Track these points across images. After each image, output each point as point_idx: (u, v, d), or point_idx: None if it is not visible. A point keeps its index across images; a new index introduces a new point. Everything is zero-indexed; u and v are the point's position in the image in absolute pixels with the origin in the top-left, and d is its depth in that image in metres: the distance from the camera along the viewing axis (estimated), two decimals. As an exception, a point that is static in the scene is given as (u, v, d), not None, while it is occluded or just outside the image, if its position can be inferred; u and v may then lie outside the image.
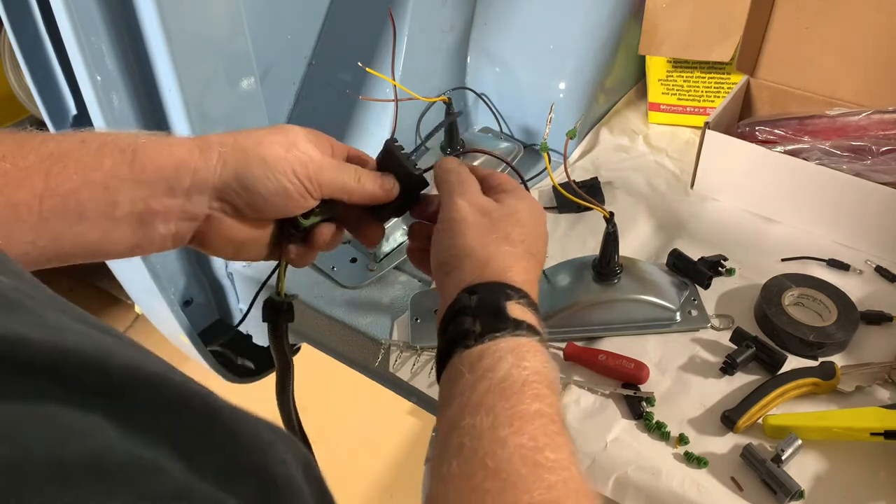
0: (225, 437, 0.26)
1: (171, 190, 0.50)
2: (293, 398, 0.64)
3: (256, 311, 0.95)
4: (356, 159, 0.59)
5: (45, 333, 0.24)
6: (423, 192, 0.59)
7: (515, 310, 0.47)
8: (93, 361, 0.24)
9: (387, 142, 0.58)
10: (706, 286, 0.80)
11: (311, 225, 0.57)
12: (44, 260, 0.49)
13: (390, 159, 0.58)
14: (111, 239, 0.50)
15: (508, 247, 0.52)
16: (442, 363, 0.48)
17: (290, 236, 0.57)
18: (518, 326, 0.46)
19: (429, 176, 0.60)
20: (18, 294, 0.27)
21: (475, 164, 0.94)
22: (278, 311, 0.61)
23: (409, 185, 0.58)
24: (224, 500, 0.23)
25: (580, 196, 0.72)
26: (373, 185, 0.56)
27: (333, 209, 0.57)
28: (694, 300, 0.79)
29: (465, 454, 0.39)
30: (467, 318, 0.47)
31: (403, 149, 0.58)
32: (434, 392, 0.74)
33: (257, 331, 1.00)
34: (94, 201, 0.48)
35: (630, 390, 0.70)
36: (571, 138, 0.76)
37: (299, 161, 0.53)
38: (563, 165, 0.67)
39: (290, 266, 0.60)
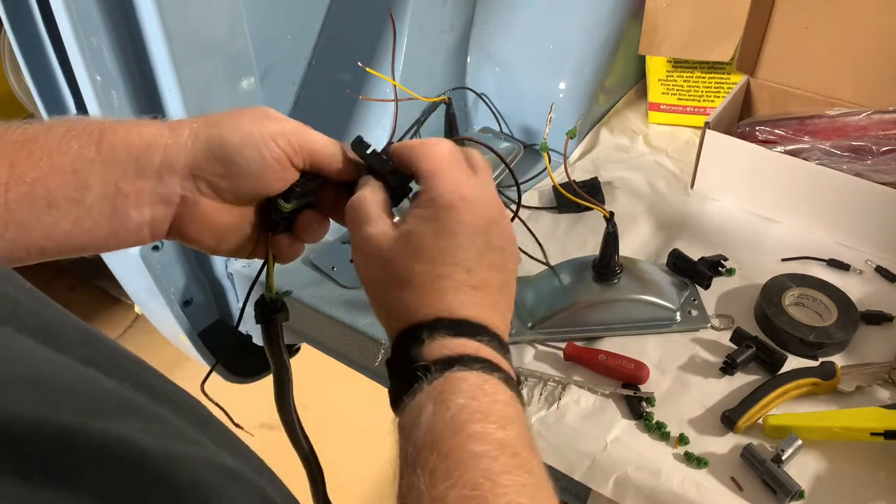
0: (157, 483, 0.24)
1: (141, 170, 0.48)
2: (293, 402, 0.61)
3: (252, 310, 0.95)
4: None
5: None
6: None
7: (432, 350, 0.43)
8: (55, 317, 0.23)
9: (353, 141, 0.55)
10: (706, 286, 0.80)
11: (293, 209, 0.54)
12: (14, 255, 0.46)
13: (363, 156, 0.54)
14: (83, 228, 0.47)
15: (461, 261, 0.45)
16: (395, 390, 0.45)
17: (273, 225, 0.54)
18: (426, 371, 0.41)
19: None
20: None
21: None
22: (271, 310, 0.58)
23: (384, 176, 0.54)
24: None
25: (580, 196, 0.72)
26: (343, 164, 0.53)
27: (313, 188, 0.54)
28: (694, 300, 0.79)
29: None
30: (407, 362, 0.43)
31: (370, 146, 0.54)
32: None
33: (256, 330, 1.00)
34: (62, 187, 0.45)
35: (630, 390, 0.70)
36: (571, 138, 0.76)
37: (276, 128, 0.50)
38: (563, 165, 0.68)
39: (282, 264, 0.58)
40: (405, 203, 0.56)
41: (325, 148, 0.52)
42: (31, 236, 0.45)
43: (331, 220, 0.57)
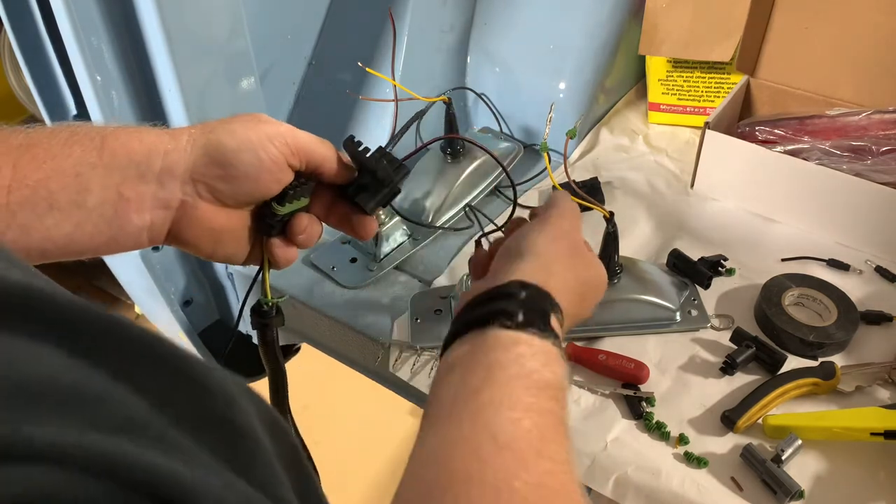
0: (191, 385, 0.26)
1: (142, 175, 0.49)
2: (289, 408, 0.63)
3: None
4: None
5: (23, 275, 0.25)
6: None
7: (554, 322, 0.48)
8: (51, 299, 0.24)
9: (379, 147, 0.58)
10: (706, 286, 0.80)
11: (288, 213, 0.55)
12: None
13: (370, 149, 0.57)
14: (84, 231, 0.48)
15: (572, 278, 0.53)
16: (460, 333, 0.48)
17: (268, 229, 0.55)
18: (555, 336, 0.47)
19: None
20: None
21: (475, 164, 0.94)
22: (267, 315, 0.60)
23: (373, 173, 0.56)
24: (186, 445, 0.23)
25: (580, 196, 0.72)
26: (338, 167, 0.56)
27: (307, 190, 0.56)
28: (694, 300, 0.79)
29: (478, 423, 0.40)
30: (513, 304, 0.47)
31: (362, 144, 0.57)
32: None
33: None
34: (64, 190, 0.47)
35: (630, 390, 0.70)
36: (571, 138, 0.76)
37: (272, 130, 0.52)
38: (563, 165, 0.68)
39: (276, 270, 0.59)
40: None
41: (319, 149, 0.54)
42: (32, 238, 0.46)
43: (323, 224, 0.59)
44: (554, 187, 0.64)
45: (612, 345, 0.75)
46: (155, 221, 0.51)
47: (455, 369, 0.45)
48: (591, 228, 0.91)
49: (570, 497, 0.38)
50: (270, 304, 0.59)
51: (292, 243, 0.57)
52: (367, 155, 0.56)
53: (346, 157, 0.56)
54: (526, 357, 0.44)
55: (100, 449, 0.20)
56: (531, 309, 0.47)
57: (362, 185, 0.57)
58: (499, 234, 0.63)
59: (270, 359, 0.61)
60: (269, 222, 0.55)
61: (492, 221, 0.87)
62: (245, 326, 1.00)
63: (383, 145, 0.58)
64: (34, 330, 0.23)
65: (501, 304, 0.47)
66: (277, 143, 0.52)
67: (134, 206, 0.49)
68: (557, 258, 0.53)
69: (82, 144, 0.47)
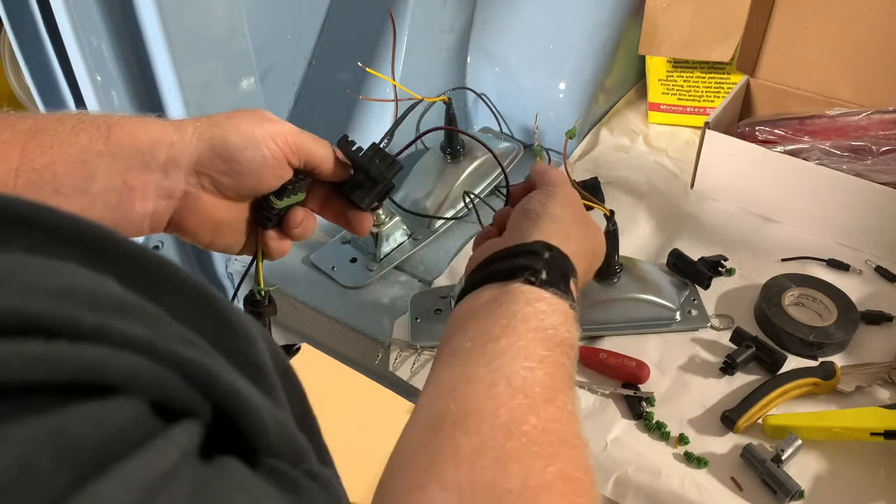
0: (219, 321, 0.27)
1: (147, 165, 0.50)
2: None
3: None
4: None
5: (74, 215, 0.26)
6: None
7: (573, 286, 0.51)
8: (112, 236, 0.26)
9: (372, 143, 0.60)
10: (706, 286, 0.80)
11: (285, 207, 0.57)
12: None
13: (363, 147, 0.59)
14: (88, 216, 0.49)
15: (584, 244, 0.56)
16: (485, 279, 0.50)
17: (265, 221, 0.57)
18: (573, 299, 0.50)
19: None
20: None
21: (475, 164, 0.94)
22: (259, 303, 0.62)
23: (364, 179, 0.59)
24: (221, 358, 0.25)
25: (581, 195, 0.71)
26: (335, 167, 0.58)
27: (304, 186, 0.58)
28: (694, 300, 0.79)
29: (494, 366, 0.42)
30: (539, 262, 0.49)
31: (355, 144, 0.59)
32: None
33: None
34: (70, 175, 0.48)
35: (630, 390, 0.70)
36: (571, 138, 0.76)
37: (275, 129, 0.54)
38: (563, 165, 0.68)
39: (270, 261, 0.61)
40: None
41: (318, 149, 0.56)
42: None
43: (317, 218, 0.62)
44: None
45: (612, 344, 0.75)
46: (158, 210, 0.52)
47: (476, 315, 0.47)
48: (591, 228, 0.91)
49: (573, 444, 0.40)
50: (263, 293, 0.62)
51: (287, 236, 0.60)
52: (361, 154, 0.58)
53: (342, 156, 0.58)
54: (546, 314, 0.46)
55: (174, 349, 0.23)
56: (554, 269, 0.49)
57: (357, 182, 0.59)
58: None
59: None
60: (266, 215, 0.57)
61: (491, 204, 0.87)
62: (245, 326, 1.00)
63: (377, 141, 0.60)
64: (92, 259, 0.25)
65: (526, 260, 0.49)
66: (279, 142, 0.53)
67: (138, 194, 0.51)
68: (574, 224, 0.55)
69: (88, 132, 0.49)
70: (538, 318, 0.46)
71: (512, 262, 0.50)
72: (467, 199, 0.90)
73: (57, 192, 0.48)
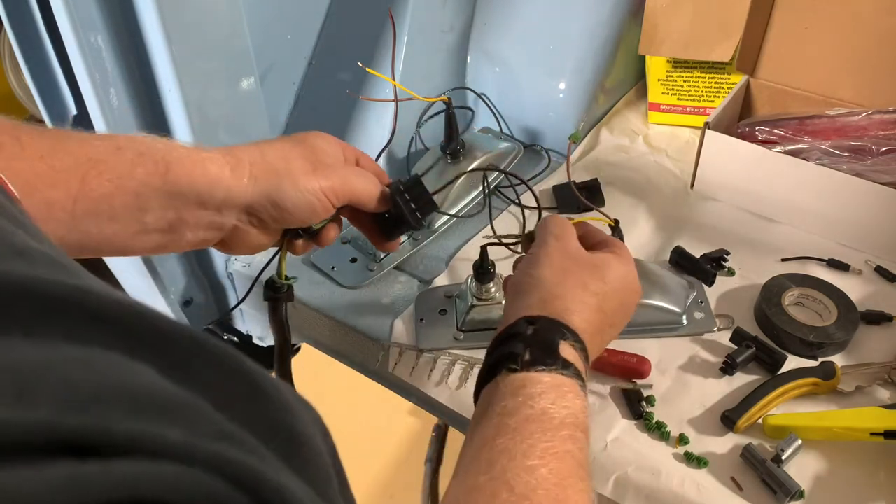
0: (258, 395, 0.27)
1: (203, 204, 0.53)
2: (292, 378, 0.70)
3: (253, 308, 0.95)
4: (373, 173, 0.63)
5: (109, 292, 0.25)
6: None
7: (567, 350, 0.48)
8: (150, 319, 0.25)
9: (415, 175, 0.64)
10: (710, 283, 0.80)
11: (320, 227, 0.61)
12: (71, 253, 0.50)
13: (408, 194, 0.63)
14: (140, 240, 0.52)
15: (581, 293, 0.53)
16: (483, 381, 0.49)
17: (296, 235, 0.62)
18: (566, 366, 0.47)
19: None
20: (61, 257, 0.28)
21: (475, 164, 0.94)
22: (278, 290, 0.67)
23: (401, 217, 0.63)
24: (260, 448, 0.24)
25: (583, 205, 0.72)
26: (377, 203, 0.61)
27: (342, 211, 0.62)
28: (700, 302, 0.78)
29: (494, 472, 0.40)
30: (519, 345, 0.48)
31: (424, 189, 0.63)
32: (435, 392, 0.74)
33: (256, 329, 1.00)
34: (126, 207, 0.50)
35: (629, 383, 0.70)
36: (575, 142, 0.76)
37: (327, 178, 0.56)
38: (564, 166, 0.68)
39: (296, 255, 0.66)
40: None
41: (366, 193, 0.60)
42: (91, 240, 0.50)
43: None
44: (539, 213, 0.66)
45: (612, 344, 0.75)
46: (206, 238, 0.56)
47: (476, 419, 0.46)
48: (591, 228, 0.91)
49: None
50: (284, 282, 0.66)
51: (315, 243, 0.64)
52: (402, 195, 0.62)
53: (386, 191, 0.62)
54: (534, 397, 0.44)
55: (214, 451, 0.22)
56: (537, 344, 0.48)
57: (392, 216, 0.63)
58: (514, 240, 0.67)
59: (278, 330, 0.68)
60: (300, 232, 0.62)
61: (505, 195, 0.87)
62: (246, 326, 1.00)
63: (419, 174, 0.65)
64: (132, 348, 0.24)
65: (507, 347, 0.48)
66: (330, 196, 0.57)
67: (190, 226, 0.54)
68: (561, 280, 0.53)
69: (146, 167, 0.51)
70: (527, 405, 0.44)
71: (496, 352, 0.49)
72: (486, 182, 0.91)
73: (112, 219, 0.50)
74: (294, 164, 0.56)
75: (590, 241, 0.60)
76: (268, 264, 0.64)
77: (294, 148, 0.57)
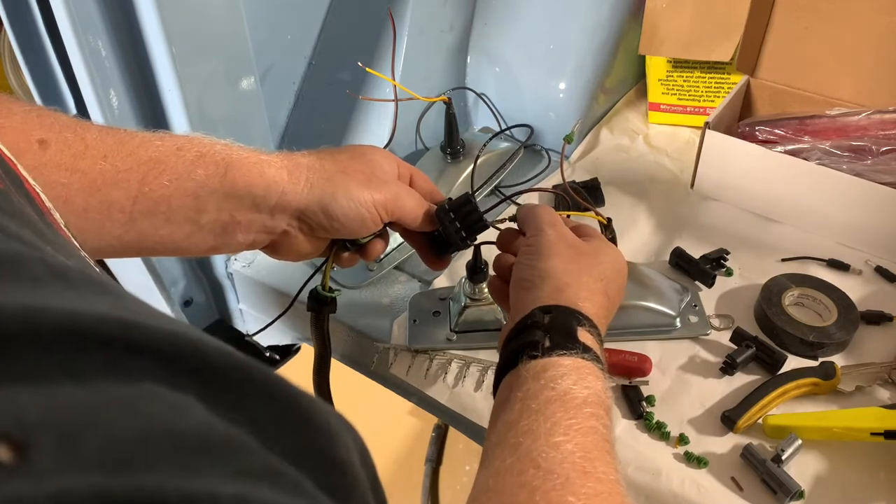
0: (300, 422, 0.26)
1: (257, 206, 0.54)
2: (329, 386, 0.72)
3: (253, 308, 0.95)
4: (425, 191, 0.63)
5: (149, 319, 0.24)
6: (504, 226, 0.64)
7: (584, 336, 0.49)
8: (192, 344, 0.25)
9: (466, 194, 0.64)
10: (710, 285, 0.80)
11: (366, 241, 0.62)
12: (126, 252, 0.51)
13: (454, 215, 0.63)
14: (193, 241, 0.53)
15: (587, 279, 0.54)
16: (503, 372, 0.49)
17: (343, 247, 0.63)
18: (586, 350, 0.48)
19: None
20: (91, 271, 0.28)
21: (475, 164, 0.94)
22: (322, 302, 0.68)
23: (447, 237, 0.63)
24: (301, 479, 0.23)
25: (575, 205, 0.72)
26: (421, 223, 0.62)
27: (392, 227, 0.63)
28: (695, 306, 0.78)
29: (519, 452, 0.41)
30: (538, 332, 0.48)
31: (476, 207, 0.63)
32: (435, 392, 0.74)
33: (254, 329, 1.00)
34: (183, 209, 0.51)
35: (628, 381, 0.70)
36: (569, 143, 0.76)
37: (379, 192, 0.57)
38: (560, 170, 0.68)
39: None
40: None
41: (414, 212, 0.61)
42: (146, 241, 0.51)
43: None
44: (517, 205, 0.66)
45: (612, 345, 0.75)
46: (256, 241, 0.57)
47: (497, 408, 0.47)
48: (591, 228, 0.91)
49: None
50: (327, 294, 0.67)
51: (360, 256, 0.64)
52: (451, 219, 0.62)
53: (432, 211, 0.63)
54: (556, 379, 0.45)
55: (258, 499, 0.21)
56: (556, 330, 0.48)
57: (439, 236, 0.64)
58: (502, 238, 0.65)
59: (319, 340, 0.70)
60: (347, 245, 0.63)
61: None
62: (246, 326, 1.00)
63: (471, 193, 0.64)
64: (176, 380, 0.23)
65: (526, 336, 0.49)
66: (381, 210, 0.58)
67: (242, 227, 0.55)
68: (568, 270, 0.54)
69: (206, 168, 0.52)
70: (549, 387, 0.44)
71: (516, 342, 0.49)
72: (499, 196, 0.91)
73: (169, 220, 0.51)
74: (350, 175, 0.57)
75: (576, 231, 0.61)
76: (321, 267, 0.66)
77: (352, 159, 0.58)
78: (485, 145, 0.95)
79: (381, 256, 0.87)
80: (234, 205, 0.53)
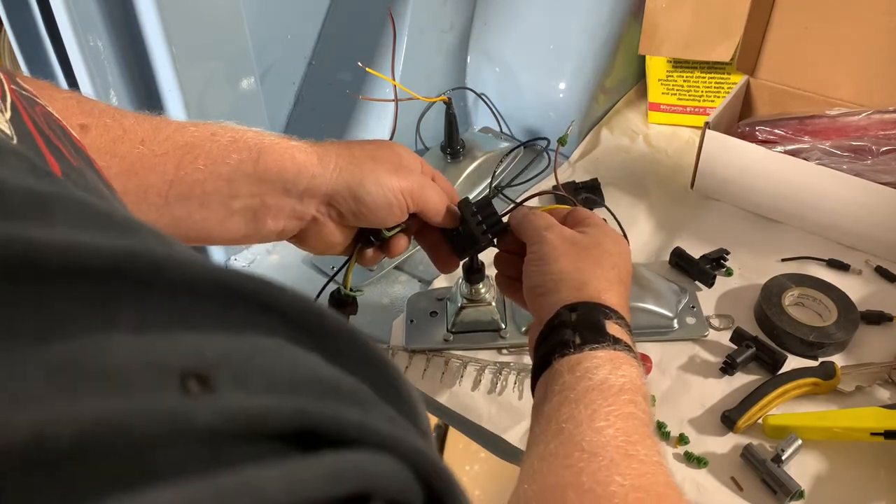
0: (394, 391, 0.26)
1: (288, 191, 0.55)
2: None
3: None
4: (446, 191, 0.64)
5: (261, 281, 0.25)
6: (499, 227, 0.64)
7: (613, 328, 0.50)
8: (313, 307, 0.25)
9: (485, 197, 0.64)
10: (710, 285, 0.80)
11: (391, 235, 0.63)
12: None
13: (476, 211, 0.63)
14: (225, 227, 0.54)
15: (601, 271, 0.54)
16: (538, 372, 0.50)
17: (369, 240, 0.63)
18: (616, 342, 0.48)
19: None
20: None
21: (475, 164, 0.94)
22: (344, 303, 0.68)
23: (467, 236, 0.63)
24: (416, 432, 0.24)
25: (571, 203, 0.72)
26: (443, 217, 0.62)
27: (412, 223, 0.64)
28: (693, 307, 0.78)
29: (563, 437, 0.42)
30: (567, 331, 0.49)
31: (494, 210, 0.63)
32: (433, 392, 0.74)
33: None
34: (217, 192, 0.52)
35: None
36: (563, 145, 0.76)
37: (406, 180, 0.58)
38: (554, 172, 0.68)
39: (364, 266, 0.67)
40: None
41: (437, 206, 0.61)
42: (179, 227, 0.52)
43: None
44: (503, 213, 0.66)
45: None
46: (287, 228, 0.57)
47: (537, 407, 0.48)
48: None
49: (666, 496, 0.39)
50: (350, 293, 0.68)
51: (384, 252, 0.65)
52: (473, 214, 0.63)
53: (455, 209, 0.63)
54: (592, 370, 0.46)
55: (398, 436, 0.21)
56: (585, 325, 0.49)
57: (460, 234, 0.64)
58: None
59: None
60: (371, 239, 0.63)
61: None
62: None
63: (489, 197, 0.65)
64: (298, 336, 0.24)
65: (556, 336, 0.49)
66: (407, 196, 0.58)
67: (273, 213, 0.55)
68: (580, 266, 0.55)
69: (240, 153, 0.52)
70: (586, 377, 0.45)
71: (547, 343, 0.50)
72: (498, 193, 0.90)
73: (203, 205, 0.52)
74: (378, 163, 0.58)
75: (571, 220, 0.61)
76: (343, 266, 0.66)
77: (379, 148, 0.59)
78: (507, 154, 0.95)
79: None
80: (266, 189, 0.54)
